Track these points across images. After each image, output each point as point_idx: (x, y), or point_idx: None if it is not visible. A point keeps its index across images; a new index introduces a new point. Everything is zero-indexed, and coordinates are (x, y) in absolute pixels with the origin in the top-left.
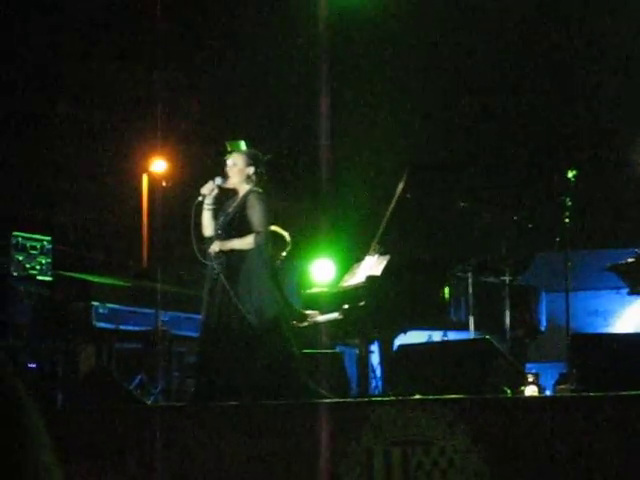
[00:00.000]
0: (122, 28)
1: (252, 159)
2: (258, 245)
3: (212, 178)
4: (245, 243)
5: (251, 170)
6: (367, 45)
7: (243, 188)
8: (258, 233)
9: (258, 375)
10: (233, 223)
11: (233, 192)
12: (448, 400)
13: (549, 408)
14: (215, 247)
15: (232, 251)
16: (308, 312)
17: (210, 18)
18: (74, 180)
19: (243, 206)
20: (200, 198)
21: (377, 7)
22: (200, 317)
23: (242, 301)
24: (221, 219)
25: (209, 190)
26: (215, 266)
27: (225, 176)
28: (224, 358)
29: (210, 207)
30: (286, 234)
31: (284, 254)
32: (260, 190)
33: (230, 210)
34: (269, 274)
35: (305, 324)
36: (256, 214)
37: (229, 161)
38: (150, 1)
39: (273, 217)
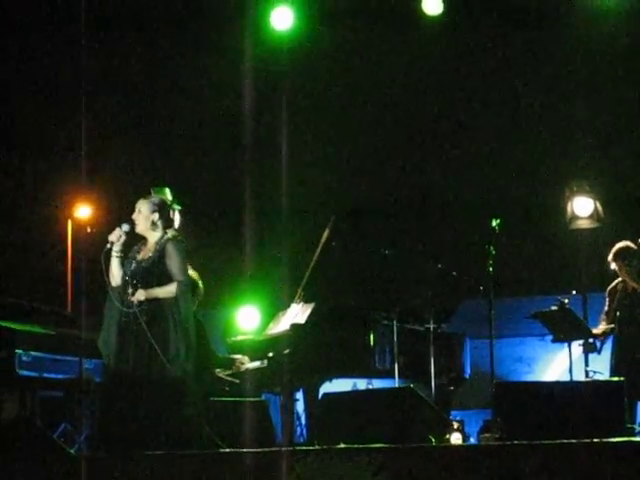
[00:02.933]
0: (45, 70)
1: (156, 205)
2: (183, 292)
3: (119, 225)
4: (168, 292)
5: (156, 216)
6: (293, 95)
7: (150, 235)
8: (179, 282)
9: (176, 424)
10: (152, 271)
11: (141, 239)
12: (372, 449)
13: (473, 457)
14: (140, 296)
15: (152, 299)
16: (236, 357)
17: (135, 62)
18: None
19: (161, 255)
20: (108, 245)
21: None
22: (106, 363)
23: (162, 350)
24: (133, 266)
25: (117, 237)
26: (138, 314)
27: (132, 223)
28: (138, 407)
29: (118, 254)
30: (198, 281)
31: (199, 298)
32: (177, 238)
33: (145, 258)
34: (189, 323)
35: (231, 372)
36: (176, 263)
37: (136, 207)
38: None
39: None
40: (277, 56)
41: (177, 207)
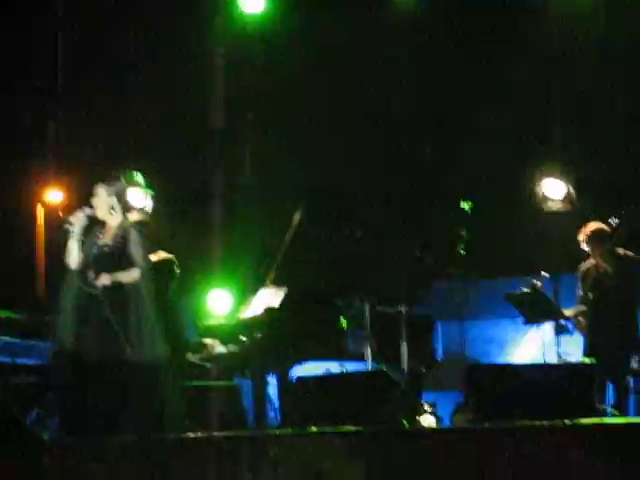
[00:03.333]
0: (15, 54)
1: (114, 190)
2: (145, 277)
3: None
4: (131, 277)
5: (114, 200)
6: (262, 74)
7: (110, 219)
8: (141, 267)
9: (143, 410)
10: (115, 256)
11: (101, 224)
12: (345, 431)
13: (445, 439)
14: (105, 280)
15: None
16: (207, 341)
17: (105, 45)
18: None
19: (124, 240)
20: (67, 226)
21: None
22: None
23: (128, 334)
24: (95, 250)
25: (78, 219)
26: (101, 297)
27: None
28: (105, 392)
29: (78, 237)
30: (173, 259)
31: (173, 283)
32: (139, 225)
33: (107, 242)
34: (154, 307)
35: (202, 355)
36: (138, 249)
37: (94, 192)
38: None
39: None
40: (247, 40)
41: (150, 192)
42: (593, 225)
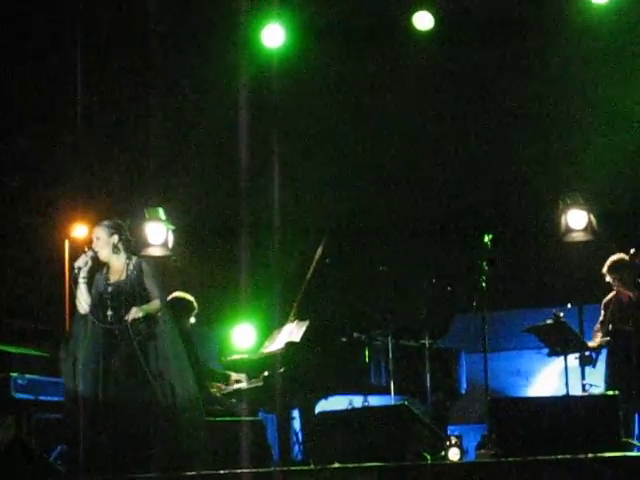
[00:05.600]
0: (41, 91)
1: (114, 228)
2: (164, 308)
3: (84, 251)
4: (153, 309)
5: (115, 239)
6: (284, 107)
7: (114, 259)
8: (160, 298)
9: (164, 444)
10: (132, 292)
11: (103, 265)
12: (367, 468)
13: (466, 474)
14: (137, 313)
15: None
16: (235, 375)
17: (129, 81)
18: None
19: (137, 274)
20: (75, 271)
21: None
22: (83, 384)
23: (151, 368)
24: (108, 289)
25: (84, 263)
26: (131, 333)
27: (95, 251)
28: (127, 427)
29: (85, 280)
30: (191, 298)
31: (193, 320)
32: (146, 259)
33: (120, 280)
34: (177, 338)
35: (231, 388)
36: (154, 281)
37: (93, 235)
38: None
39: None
40: (269, 73)
41: (171, 227)
42: (614, 256)
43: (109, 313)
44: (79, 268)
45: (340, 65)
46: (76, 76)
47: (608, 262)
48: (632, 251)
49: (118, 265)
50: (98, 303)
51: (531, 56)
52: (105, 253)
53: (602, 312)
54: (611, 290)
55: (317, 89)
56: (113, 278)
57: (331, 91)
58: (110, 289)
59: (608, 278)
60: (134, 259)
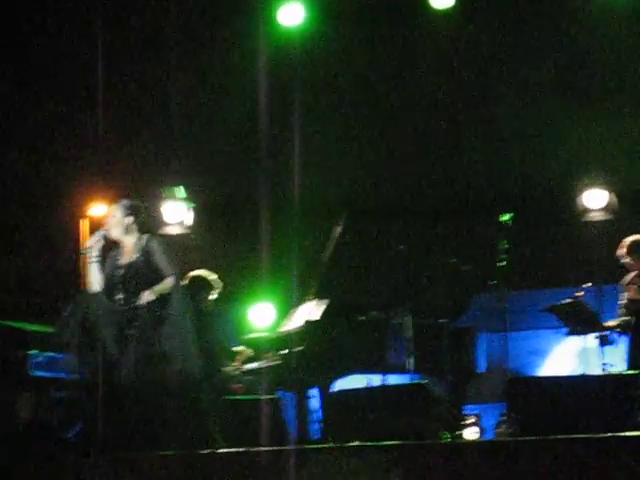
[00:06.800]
0: (57, 67)
1: (130, 209)
2: (177, 286)
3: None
4: (166, 287)
5: (130, 220)
6: (303, 86)
7: (125, 239)
8: (172, 275)
9: (179, 424)
10: (144, 272)
11: (115, 244)
12: (385, 446)
13: (485, 452)
14: (149, 296)
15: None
16: (243, 350)
17: (148, 59)
18: (10, 225)
19: (147, 254)
20: (85, 251)
21: (315, 47)
22: (101, 362)
23: (164, 349)
24: (121, 271)
25: (95, 242)
26: (145, 316)
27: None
28: (142, 406)
29: (96, 260)
30: (214, 277)
31: (214, 297)
32: (157, 237)
33: (131, 261)
34: (191, 316)
35: (249, 367)
36: (163, 259)
37: (109, 212)
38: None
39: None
40: (288, 52)
41: (191, 205)
42: (633, 237)
43: (118, 297)
44: (90, 247)
45: (359, 44)
46: (96, 54)
47: (627, 243)
48: None
49: (129, 245)
50: (108, 286)
51: (552, 33)
52: (117, 232)
53: (623, 293)
54: (627, 271)
55: (336, 68)
56: (124, 259)
57: (350, 70)
58: (121, 272)
59: (626, 260)
60: (144, 238)
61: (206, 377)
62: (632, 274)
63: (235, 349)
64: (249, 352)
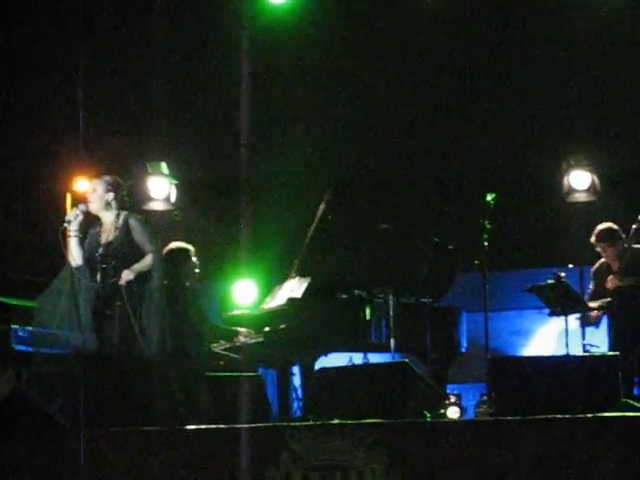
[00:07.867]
0: (46, 45)
1: (111, 185)
2: (156, 263)
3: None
4: (146, 265)
5: (110, 196)
6: (287, 62)
7: (104, 215)
8: (152, 252)
9: (159, 399)
10: (124, 251)
11: (95, 220)
12: (366, 424)
13: (466, 432)
14: (129, 276)
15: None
16: (240, 329)
17: (131, 34)
18: None
19: (126, 231)
20: (65, 224)
21: (300, 25)
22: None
23: (142, 325)
24: (101, 250)
25: (74, 216)
26: (124, 294)
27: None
28: (121, 382)
29: (75, 234)
30: (188, 246)
31: (197, 270)
32: (136, 214)
33: (110, 239)
34: (166, 294)
35: (231, 344)
36: (143, 236)
37: (89, 187)
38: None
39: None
40: (272, 29)
41: (173, 181)
42: (603, 225)
43: (99, 275)
44: (69, 221)
45: (344, 21)
46: (78, 28)
47: (597, 231)
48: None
49: (108, 222)
50: (89, 264)
51: (540, 20)
52: (96, 206)
53: (593, 281)
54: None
55: (321, 45)
56: (104, 237)
57: (335, 47)
58: (100, 250)
59: (597, 247)
60: (122, 215)
61: (183, 354)
62: (600, 262)
63: (234, 329)
64: (247, 332)
